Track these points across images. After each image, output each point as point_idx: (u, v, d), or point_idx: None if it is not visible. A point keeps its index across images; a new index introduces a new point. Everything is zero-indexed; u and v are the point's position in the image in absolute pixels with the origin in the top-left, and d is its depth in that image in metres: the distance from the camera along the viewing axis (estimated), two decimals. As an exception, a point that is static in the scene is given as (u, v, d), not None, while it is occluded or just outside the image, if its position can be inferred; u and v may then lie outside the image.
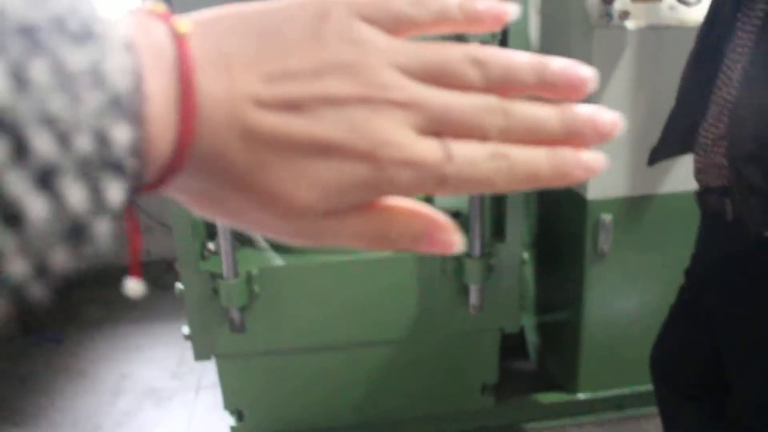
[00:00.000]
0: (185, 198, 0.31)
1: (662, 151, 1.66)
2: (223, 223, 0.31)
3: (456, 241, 0.31)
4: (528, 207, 2.28)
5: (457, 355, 2.07)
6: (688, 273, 1.56)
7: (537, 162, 0.29)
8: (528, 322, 2.51)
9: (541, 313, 2.44)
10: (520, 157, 0.29)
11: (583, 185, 1.94)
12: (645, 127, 1.82)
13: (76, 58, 0.22)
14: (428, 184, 0.29)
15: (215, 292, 1.80)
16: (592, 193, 1.95)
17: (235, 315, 1.81)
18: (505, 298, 1.94)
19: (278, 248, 1.93)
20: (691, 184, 1.49)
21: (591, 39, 1.83)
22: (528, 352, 2.55)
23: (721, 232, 1.41)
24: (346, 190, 0.28)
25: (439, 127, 0.29)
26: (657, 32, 1.86)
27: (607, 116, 0.30)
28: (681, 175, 1.90)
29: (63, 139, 0.21)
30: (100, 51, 0.22)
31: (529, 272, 2.41)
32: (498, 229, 1.95)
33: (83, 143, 0.21)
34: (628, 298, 2.10)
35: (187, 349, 2.16)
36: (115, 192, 0.23)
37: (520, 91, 0.30)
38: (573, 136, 0.30)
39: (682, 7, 1.90)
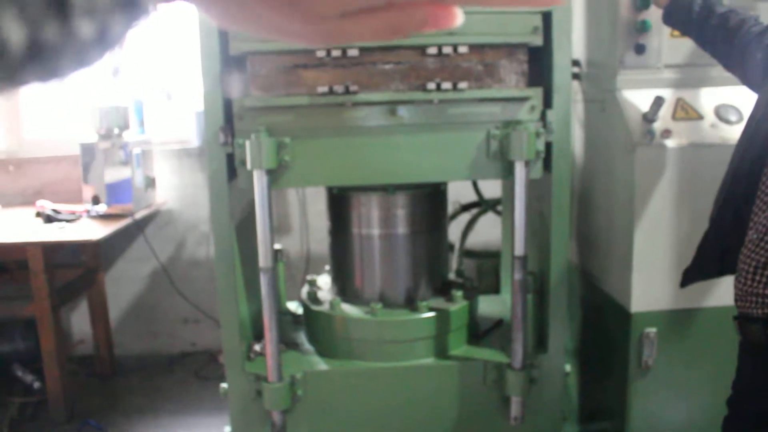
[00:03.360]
0: (215, 9, 0.36)
1: (695, 273, 1.64)
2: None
3: (457, 13, 0.36)
4: (571, 316, 2.27)
5: (497, 465, 2.03)
6: (732, 404, 1.48)
7: None
8: (571, 431, 2.45)
9: (585, 422, 2.39)
10: None
11: (627, 298, 1.94)
12: (687, 242, 1.83)
13: None
14: None
15: (259, 393, 1.83)
16: (636, 306, 1.94)
17: (277, 418, 1.82)
18: (547, 411, 1.91)
19: (323, 352, 1.96)
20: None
21: (633, 156, 1.87)
22: (570, 462, 2.48)
23: (766, 367, 1.35)
24: None
25: None
26: (699, 150, 1.88)
27: None
28: (725, 290, 1.88)
29: None
30: None
31: (572, 380, 2.38)
32: (540, 340, 1.94)
33: None
34: (674, 411, 2.04)
35: (227, 445, 2.16)
36: None
37: None
38: None
39: (723, 125, 1.93)
